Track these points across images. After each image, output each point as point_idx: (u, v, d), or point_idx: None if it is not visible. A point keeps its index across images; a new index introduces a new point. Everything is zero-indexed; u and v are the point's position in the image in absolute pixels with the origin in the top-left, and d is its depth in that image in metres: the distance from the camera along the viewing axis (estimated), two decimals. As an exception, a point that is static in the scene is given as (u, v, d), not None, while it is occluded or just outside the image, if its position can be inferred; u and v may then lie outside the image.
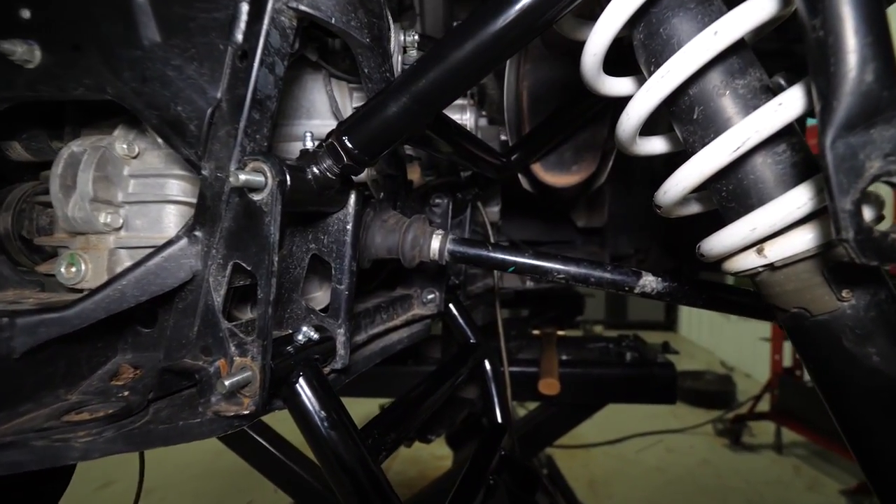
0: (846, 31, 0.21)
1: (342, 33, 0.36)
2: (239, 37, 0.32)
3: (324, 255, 0.40)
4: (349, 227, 0.40)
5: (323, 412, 0.35)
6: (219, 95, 0.33)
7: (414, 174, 0.65)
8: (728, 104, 0.28)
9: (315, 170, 0.34)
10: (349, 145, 0.33)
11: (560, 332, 1.24)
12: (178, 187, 0.43)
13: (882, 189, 0.24)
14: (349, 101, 0.50)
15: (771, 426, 3.13)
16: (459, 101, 0.75)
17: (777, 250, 0.26)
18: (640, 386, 1.04)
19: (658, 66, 0.29)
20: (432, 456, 2.71)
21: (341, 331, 0.41)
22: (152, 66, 0.34)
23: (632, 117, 0.30)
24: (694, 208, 0.34)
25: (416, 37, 0.52)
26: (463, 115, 0.76)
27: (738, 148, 0.26)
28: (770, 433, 3.16)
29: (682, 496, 2.65)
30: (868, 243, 0.22)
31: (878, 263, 0.22)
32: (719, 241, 0.29)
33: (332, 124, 0.47)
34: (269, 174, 0.31)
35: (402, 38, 0.52)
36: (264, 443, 0.91)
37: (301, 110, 0.47)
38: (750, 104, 0.27)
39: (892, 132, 0.22)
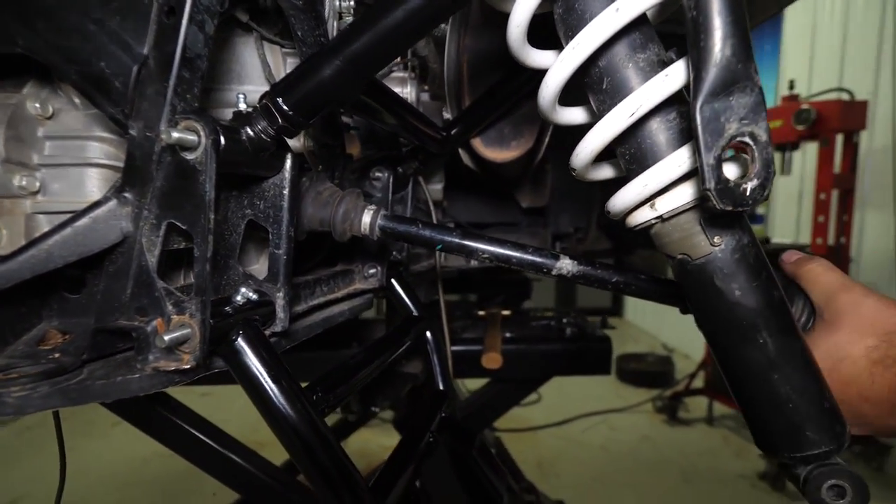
0: (712, 12, 0.27)
1: (275, -4, 0.38)
2: (166, -6, 0.33)
3: (260, 221, 0.42)
4: (285, 192, 0.42)
5: (264, 368, 0.38)
6: (145, 52, 0.34)
7: (353, 147, 0.68)
8: (630, 75, 0.33)
9: (249, 131, 0.36)
10: (284, 107, 0.35)
11: (505, 312, 1.31)
12: (100, 150, 0.43)
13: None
14: (283, 67, 0.52)
15: (704, 401, 3.44)
16: (400, 75, 0.78)
17: (664, 204, 0.32)
18: (578, 359, 1.13)
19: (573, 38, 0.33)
20: (381, 447, 2.75)
21: (280, 294, 0.43)
22: (69, 17, 0.35)
23: (549, 86, 0.35)
24: (607, 172, 0.39)
25: (352, 2, 0.54)
26: (404, 89, 0.78)
27: (633, 114, 0.31)
28: (703, 408, 3.48)
29: (623, 470, 2.86)
30: (725, 192, 0.28)
31: (731, 209, 0.28)
32: (620, 199, 0.34)
33: (265, 90, 0.49)
34: (202, 133, 0.33)
35: (337, 3, 0.54)
36: (205, 438, 0.89)
37: (233, 75, 0.49)
38: (647, 76, 0.32)
39: (745, 99, 0.27)
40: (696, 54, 0.27)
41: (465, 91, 0.73)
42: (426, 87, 0.91)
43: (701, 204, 0.31)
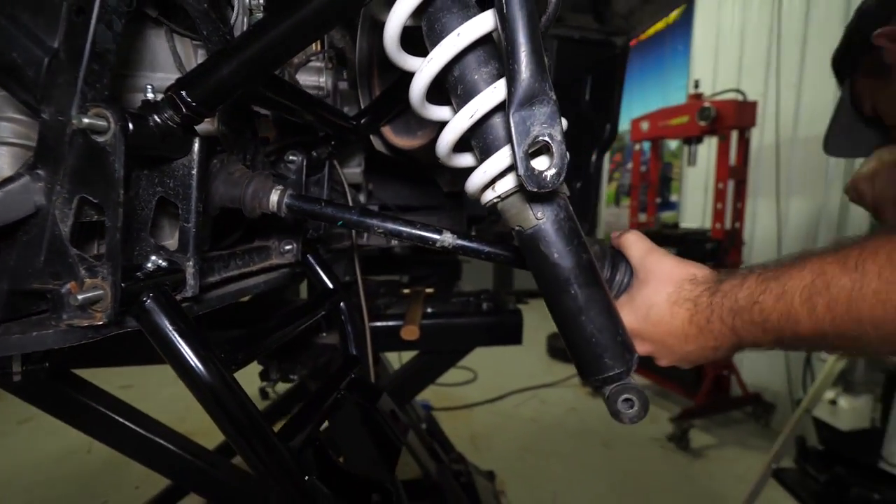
0: (518, 45, 0.36)
1: (180, 0, 0.43)
2: (75, -5, 0.38)
3: (170, 197, 0.48)
4: (194, 171, 0.48)
5: (173, 327, 0.44)
6: (56, 45, 0.39)
7: (268, 132, 0.73)
8: (476, 84, 0.42)
9: (157, 118, 0.42)
10: (187, 98, 0.41)
11: (428, 291, 1.41)
12: (11, 129, 0.47)
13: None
14: (193, 57, 0.57)
15: (624, 373, 3.75)
16: (317, 65, 0.84)
17: (500, 186, 0.42)
18: (493, 330, 1.25)
19: (434, 52, 0.42)
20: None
21: (190, 263, 0.49)
22: (-20, 11, 0.39)
23: (415, 88, 0.43)
24: (468, 160, 0.49)
25: (261, 1, 0.60)
26: (320, 78, 0.84)
27: (472, 116, 0.40)
28: (623, 379, 3.79)
29: (551, 440, 3.09)
30: (532, 177, 0.38)
31: (537, 190, 0.38)
32: (472, 183, 0.44)
33: (175, 77, 0.54)
34: (111, 119, 0.38)
35: (247, 1, 0.59)
36: (131, 424, 0.90)
37: (145, 63, 0.53)
38: (487, 85, 0.42)
39: (544, 109, 0.37)
40: (509, 75, 0.37)
41: (376, 83, 0.80)
42: (345, 76, 0.97)
43: (522, 187, 0.41)
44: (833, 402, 1.46)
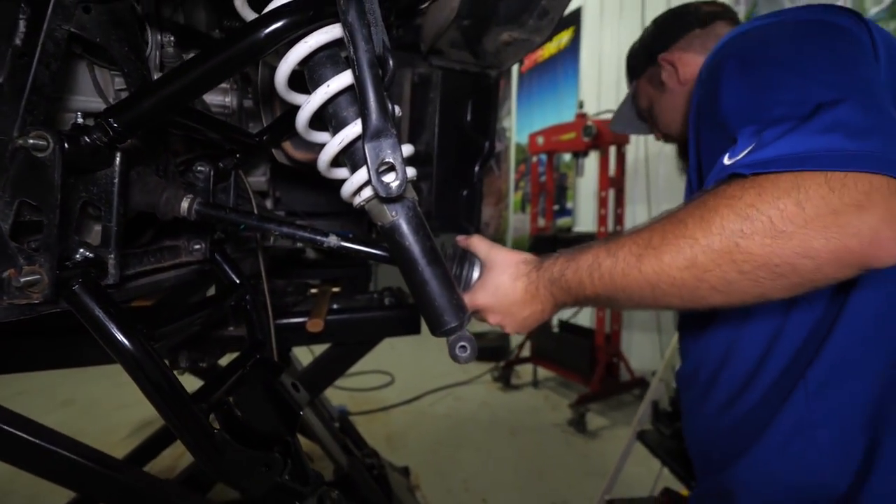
0: (368, 97, 0.53)
1: (105, 46, 0.55)
2: (18, 42, 0.49)
3: (94, 202, 0.59)
4: (115, 180, 0.59)
5: (99, 306, 0.55)
6: (1, 81, 0.49)
7: (178, 146, 0.84)
8: (345, 120, 0.59)
9: (87, 138, 0.53)
10: (114, 125, 0.53)
11: (335, 289, 1.55)
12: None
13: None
14: (111, 83, 0.68)
15: (530, 367, 4.09)
16: (223, 85, 0.96)
17: (364, 194, 0.59)
18: (393, 322, 1.41)
19: (314, 94, 0.58)
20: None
21: (111, 256, 0.60)
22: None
23: (300, 120, 0.59)
24: (344, 173, 0.65)
25: (172, 38, 0.72)
26: (226, 98, 0.97)
27: (341, 143, 0.57)
28: (530, 373, 4.12)
29: (463, 433, 3.30)
30: (382, 187, 0.55)
31: (385, 196, 0.55)
32: (344, 191, 0.60)
33: (95, 99, 0.65)
34: (50, 140, 0.50)
35: (159, 38, 0.71)
36: (26, 436, 0.88)
37: (69, 88, 0.64)
38: (353, 120, 0.58)
39: (388, 141, 0.55)
40: (363, 117, 0.54)
41: (276, 105, 0.94)
42: (249, 95, 1.09)
43: (377, 194, 0.58)
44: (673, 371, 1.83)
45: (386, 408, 3.55)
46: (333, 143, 0.58)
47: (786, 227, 0.47)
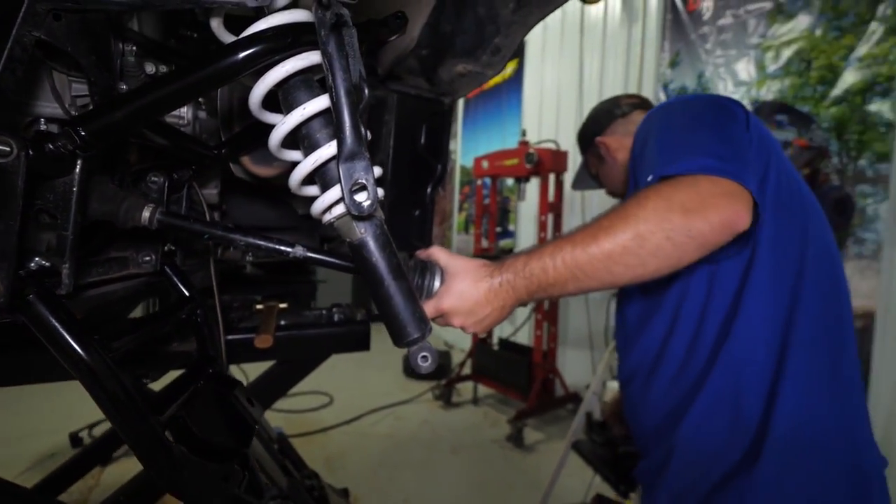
0: (343, 121, 0.57)
1: (73, 53, 0.55)
2: (-16, 47, 0.48)
3: (51, 210, 0.57)
4: (74, 188, 0.58)
5: (54, 316, 0.54)
6: (-38, 84, 0.48)
7: (132, 155, 0.82)
8: (319, 140, 0.62)
9: (51, 146, 0.52)
10: (82, 133, 0.53)
11: (282, 305, 1.52)
12: None
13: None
14: (68, 90, 0.66)
15: (471, 385, 4.14)
16: (178, 96, 0.95)
17: (335, 211, 0.62)
18: (343, 339, 1.42)
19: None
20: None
21: (66, 266, 0.59)
22: None
23: (273, 139, 0.61)
24: (314, 191, 0.67)
25: (134, 48, 0.72)
26: (181, 109, 0.96)
27: (315, 162, 0.60)
28: (471, 390, 4.18)
29: (404, 453, 3.28)
30: (354, 206, 0.58)
31: (358, 214, 0.58)
32: (315, 208, 0.63)
33: (52, 104, 0.64)
34: (14, 145, 0.49)
35: (121, 46, 0.71)
36: None
37: (29, 91, 0.62)
38: (326, 142, 0.61)
39: (361, 163, 0.58)
40: (338, 140, 0.57)
41: (235, 120, 0.95)
42: (203, 107, 1.08)
43: (349, 212, 0.61)
44: (603, 384, 1.95)
45: (325, 429, 3.46)
46: (307, 163, 0.60)
47: (692, 206, 0.70)
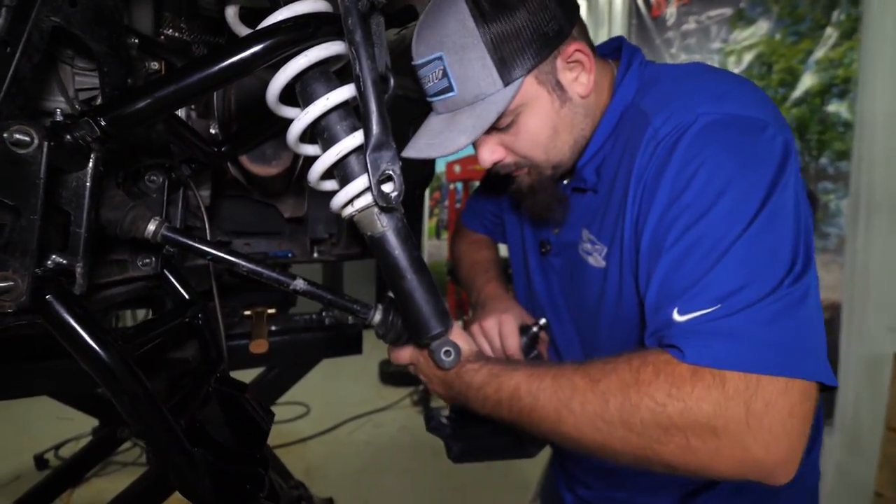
0: (370, 109, 0.57)
1: (88, 42, 0.53)
2: (2, 33, 0.46)
3: (63, 205, 0.55)
4: (87, 183, 0.56)
5: (72, 315, 0.51)
6: (-23, 70, 0.45)
7: (130, 152, 0.79)
8: (339, 133, 0.62)
9: (69, 136, 0.50)
10: (103, 124, 0.51)
11: (270, 311, 1.49)
12: None
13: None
14: (72, 83, 0.63)
15: (449, 388, 4.13)
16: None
17: (358, 203, 0.62)
18: (335, 342, 1.40)
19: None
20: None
21: (80, 265, 0.56)
22: None
23: (292, 133, 0.61)
24: (331, 185, 0.67)
25: (136, 41, 0.70)
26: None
27: (339, 154, 0.60)
28: (449, 394, 4.16)
29: (385, 459, 3.24)
30: (382, 197, 0.58)
31: (386, 205, 0.59)
32: (336, 201, 0.63)
33: (57, 97, 0.61)
34: (34, 135, 0.46)
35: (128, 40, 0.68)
36: None
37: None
38: (347, 134, 0.61)
39: (389, 153, 0.58)
40: (365, 129, 0.57)
41: (233, 118, 0.93)
42: (194, 107, 1.05)
43: (375, 203, 0.61)
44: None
45: (303, 439, 3.38)
46: (330, 154, 0.60)
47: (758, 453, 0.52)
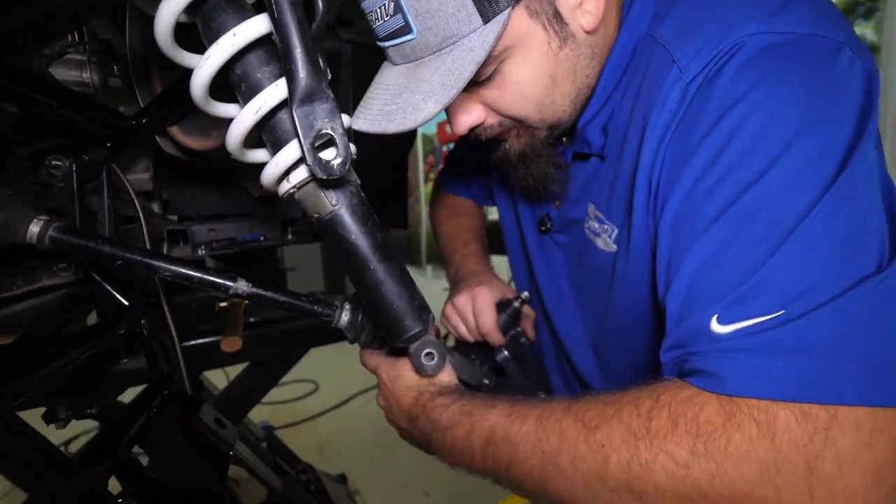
0: (293, 47, 0.41)
1: None
2: None
3: None
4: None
5: None
6: None
7: (15, 132, 0.63)
8: (259, 81, 0.46)
9: None
10: None
11: (247, 301, 1.35)
12: None
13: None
14: None
15: (458, 354, 4.07)
16: (76, 57, 0.75)
17: (294, 177, 0.46)
18: (319, 332, 1.27)
19: (212, 50, 0.44)
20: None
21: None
22: None
23: (196, 85, 0.44)
24: (261, 156, 0.51)
25: None
26: (83, 73, 0.76)
27: (258, 111, 0.44)
28: (458, 360, 4.11)
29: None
30: (320, 166, 0.43)
31: (326, 177, 0.43)
32: (266, 175, 0.47)
33: None
34: None
35: None
36: None
37: None
38: (269, 83, 0.45)
39: (324, 105, 0.43)
40: (288, 75, 0.41)
41: (156, 79, 0.75)
42: (116, 72, 0.88)
43: (313, 177, 0.46)
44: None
45: (313, 416, 3.35)
46: (248, 112, 0.44)
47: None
